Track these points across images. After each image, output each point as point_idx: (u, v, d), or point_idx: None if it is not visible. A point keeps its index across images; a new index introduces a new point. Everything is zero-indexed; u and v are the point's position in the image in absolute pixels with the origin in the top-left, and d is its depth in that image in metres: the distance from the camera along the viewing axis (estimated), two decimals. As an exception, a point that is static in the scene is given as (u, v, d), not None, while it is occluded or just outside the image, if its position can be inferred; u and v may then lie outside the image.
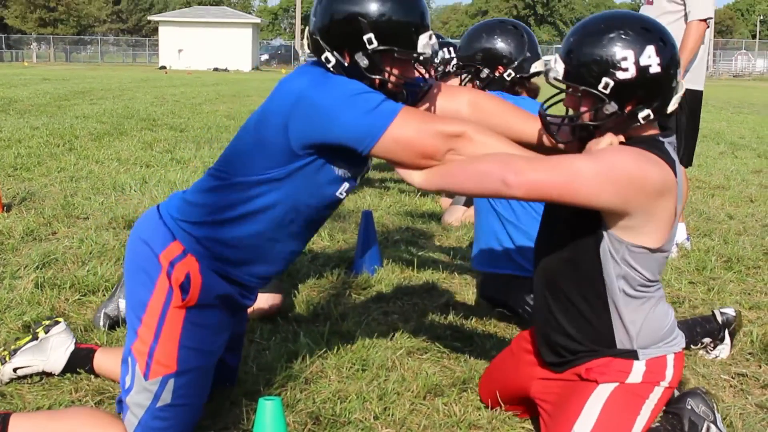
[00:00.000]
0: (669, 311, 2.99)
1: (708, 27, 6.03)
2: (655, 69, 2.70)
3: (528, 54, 4.34)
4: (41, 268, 5.16)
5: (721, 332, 4.08)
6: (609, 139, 2.76)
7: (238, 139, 2.97)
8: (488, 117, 3.08)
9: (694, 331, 4.04)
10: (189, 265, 2.94)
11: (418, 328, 4.36)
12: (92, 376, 3.58)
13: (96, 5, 78.40)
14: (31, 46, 72.10)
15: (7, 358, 3.48)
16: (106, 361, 3.53)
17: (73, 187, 8.11)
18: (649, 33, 2.74)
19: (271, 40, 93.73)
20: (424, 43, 2.86)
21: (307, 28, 2.98)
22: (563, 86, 2.87)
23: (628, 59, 2.69)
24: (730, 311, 4.14)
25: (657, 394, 2.90)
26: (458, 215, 6.95)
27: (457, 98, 3.13)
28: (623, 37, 2.71)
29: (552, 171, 2.63)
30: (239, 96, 23.47)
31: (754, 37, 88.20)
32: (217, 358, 3.11)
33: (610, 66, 2.70)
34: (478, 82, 4.38)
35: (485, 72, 4.34)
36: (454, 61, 4.55)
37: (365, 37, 2.80)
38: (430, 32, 2.90)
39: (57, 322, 3.54)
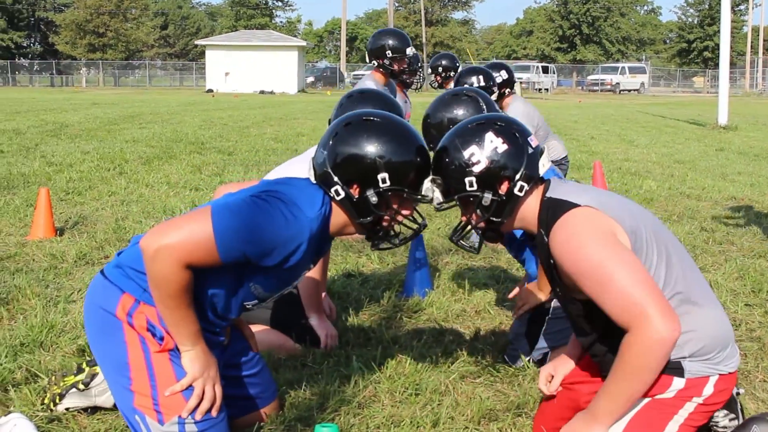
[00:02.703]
0: (721, 319, 2.96)
1: None
2: (502, 147, 2.98)
3: None
4: (94, 292, 5.19)
5: None
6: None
7: None
8: None
9: None
10: (145, 311, 2.97)
11: (470, 351, 4.33)
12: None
13: (144, 30, 79.29)
14: (81, 71, 72.98)
15: (57, 400, 3.49)
16: None
17: (124, 210, 8.20)
18: (483, 124, 3.05)
19: (317, 62, 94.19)
20: (427, 187, 3.08)
21: (312, 160, 3.15)
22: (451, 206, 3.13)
23: (476, 153, 2.98)
24: None
25: (688, 409, 2.87)
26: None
27: None
28: (461, 139, 3.02)
29: None
30: (286, 119, 23.61)
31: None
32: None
33: (464, 168, 2.99)
34: None
35: None
36: None
37: (380, 176, 3.01)
38: (432, 177, 3.11)
39: (94, 375, 3.50)
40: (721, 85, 22.78)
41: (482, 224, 3.07)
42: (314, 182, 3.10)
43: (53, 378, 3.60)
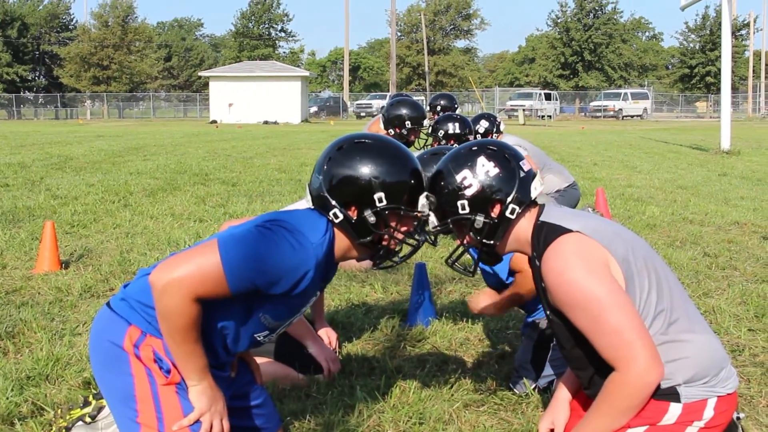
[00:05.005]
0: (713, 344, 2.96)
1: None
2: (493, 171, 3.08)
3: None
4: (100, 325, 5.22)
5: None
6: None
7: None
8: None
9: None
10: (152, 343, 2.97)
11: (474, 379, 4.34)
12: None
13: (148, 62, 79.69)
14: (85, 104, 73.50)
15: None
16: None
17: (129, 243, 8.23)
18: (474, 149, 3.16)
19: (320, 92, 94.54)
20: (423, 203, 3.12)
21: (308, 186, 3.18)
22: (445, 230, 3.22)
23: (468, 177, 3.09)
24: None
25: None
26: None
27: None
28: (454, 164, 3.14)
29: None
30: (290, 149, 23.69)
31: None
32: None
33: (457, 191, 3.10)
34: None
35: None
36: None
37: (376, 196, 3.04)
38: (426, 193, 3.16)
39: (101, 408, 3.52)
40: (723, 109, 22.86)
41: (470, 245, 3.17)
42: (313, 208, 3.13)
43: (59, 411, 3.62)
